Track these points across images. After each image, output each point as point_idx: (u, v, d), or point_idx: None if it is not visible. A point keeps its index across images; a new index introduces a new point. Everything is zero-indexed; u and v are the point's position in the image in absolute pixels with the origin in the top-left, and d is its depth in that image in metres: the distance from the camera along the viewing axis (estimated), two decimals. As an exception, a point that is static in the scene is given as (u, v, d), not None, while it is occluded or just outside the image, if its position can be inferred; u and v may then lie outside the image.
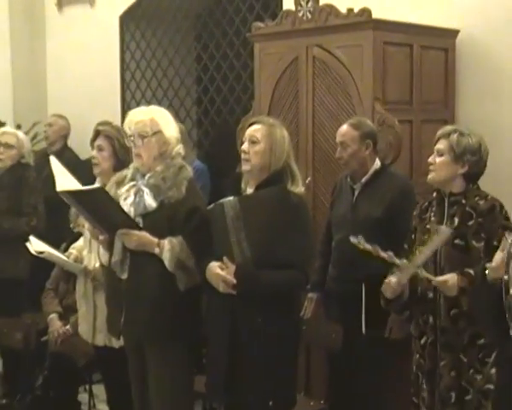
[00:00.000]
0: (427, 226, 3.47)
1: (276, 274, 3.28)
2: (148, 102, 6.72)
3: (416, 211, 3.62)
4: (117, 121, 6.31)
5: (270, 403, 3.29)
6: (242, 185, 3.49)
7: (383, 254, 3.29)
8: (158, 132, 3.55)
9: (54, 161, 3.65)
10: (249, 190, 3.46)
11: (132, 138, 3.57)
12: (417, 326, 3.56)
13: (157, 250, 3.47)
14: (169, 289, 3.47)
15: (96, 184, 3.54)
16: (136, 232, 3.49)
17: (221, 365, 3.37)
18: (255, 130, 3.43)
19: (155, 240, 3.48)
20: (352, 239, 3.34)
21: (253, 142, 3.41)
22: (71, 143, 6.61)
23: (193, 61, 6.70)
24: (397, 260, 3.32)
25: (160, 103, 6.59)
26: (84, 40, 7.03)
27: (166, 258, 3.45)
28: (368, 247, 3.29)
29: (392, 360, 3.98)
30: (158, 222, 3.49)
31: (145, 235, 3.49)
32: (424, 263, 3.36)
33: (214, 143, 6.41)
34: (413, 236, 3.57)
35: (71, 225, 4.86)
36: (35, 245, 4.25)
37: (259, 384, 3.31)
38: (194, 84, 6.76)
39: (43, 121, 6.84)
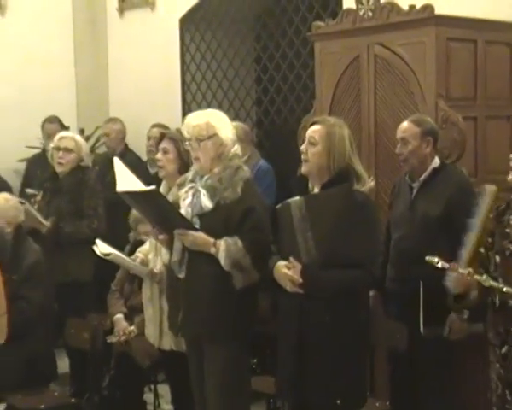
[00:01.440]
0: (507, 230, 3.34)
1: (343, 273, 3.29)
2: (209, 104, 6.78)
3: (493, 213, 3.50)
4: (178, 123, 6.37)
5: (338, 402, 3.29)
6: (309, 185, 3.50)
7: (462, 271, 3.22)
8: (214, 135, 3.61)
9: (117, 161, 3.74)
10: (316, 190, 3.47)
11: (190, 142, 3.64)
12: (498, 335, 3.42)
13: (213, 250, 3.54)
14: (225, 288, 3.54)
15: (152, 186, 3.61)
16: (193, 232, 3.56)
17: (289, 364, 3.39)
18: (314, 131, 3.43)
19: (211, 240, 3.54)
20: (428, 258, 3.29)
21: (311, 143, 3.42)
22: (132, 145, 6.69)
23: (252, 62, 6.72)
24: (478, 277, 3.24)
25: (220, 105, 6.64)
26: (145, 44, 7.13)
27: (222, 257, 3.51)
28: (445, 265, 3.23)
29: (453, 360, 3.93)
30: (214, 222, 3.56)
31: (201, 235, 3.56)
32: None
33: (275, 143, 6.41)
34: (489, 239, 3.43)
35: (130, 234, 4.93)
36: (101, 248, 4.31)
37: (328, 383, 3.32)
38: (254, 84, 6.77)
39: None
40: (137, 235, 4.95)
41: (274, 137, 6.44)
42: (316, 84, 5.08)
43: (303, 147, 3.44)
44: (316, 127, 3.44)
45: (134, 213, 4.98)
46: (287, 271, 3.31)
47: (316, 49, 5.00)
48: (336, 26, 4.84)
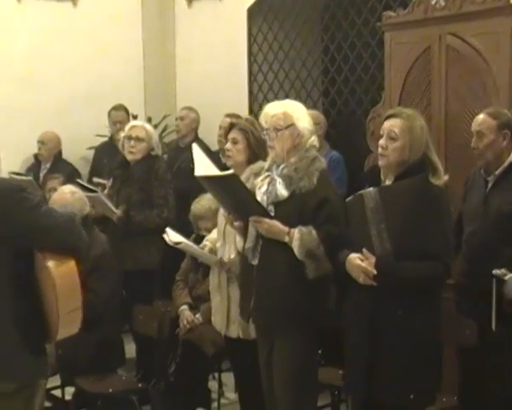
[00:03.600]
0: None
1: (417, 266, 3.26)
2: (275, 95, 6.78)
3: None
4: (244, 113, 6.42)
5: (412, 396, 3.25)
6: (381, 177, 3.47)
7: None
8: (291, 125, 3.63)
9: (195, 148, 3.81)
10: (388, 182, 3.44)
11: (268, 131, 3.67)
12: None
13: (287, 239, 3.57)
14: (297, 277, 3.57)
15: (230, 171, 3.66)
16: (267, 220, 3.60)
17: (360, 357, 3.38)
18: (393, 124, 3.39)
19: (285, 229, 3.57)
20: (495, 271, 3.23)
21: (391, 138, 3.37)
22: (198, 134, 6.74)
23: (320, 53, 6.67)
24: None
25: (286, 95, 6.62)
26: (212, 34, 7.15)
27: (296, 246, 3.54)
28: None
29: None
30: (289, 211, 3.59)
31: (275, 223, 3.59)
32: None
33: (341, 134, 6.37)
34: None
35: (194, 234, 4.96)
36: (172, 236, 4.35)
37: (401, 378, 3.29)
38: (321, 75, 6.73)
39: (172, 114, 7.01)
40: (198, 231, 4.98)
41: (341, 128, 6.40)
42: (385, 75, 5.04)
43: (382, 141, 3.40)
44: (394, 121, 3.39)
45: (194, 209, 5.02)
46: (360, 263, 3.30)
47: (386, 39, 4.95)
48: (407, 16, 4.78)
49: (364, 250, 3.28)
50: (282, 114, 3.65)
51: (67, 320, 3.17)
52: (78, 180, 5.47)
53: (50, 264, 3.11)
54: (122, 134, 5.48)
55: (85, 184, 5.23)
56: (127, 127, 5.48)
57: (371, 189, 3.40)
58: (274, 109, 3.70)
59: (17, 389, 3.16)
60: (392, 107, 4.55)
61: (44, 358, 3.27)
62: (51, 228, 3.18)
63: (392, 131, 3.37)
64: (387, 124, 3.42)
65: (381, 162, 3.42)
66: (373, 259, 3.26)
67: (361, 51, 6.12)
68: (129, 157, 5.34)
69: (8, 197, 3.13)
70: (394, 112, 3.51)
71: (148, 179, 5.28)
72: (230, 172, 3.67)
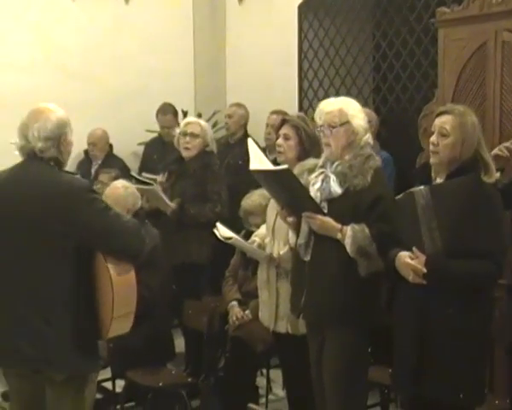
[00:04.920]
0: None
1: (468, 265, 3.22)
2: (326, 92, 6.75)
3: None
4: (294, 110, 6.41)
5: (461, 395, 3.22)
6: (432, 174, 3.44)
7: None
8: (346, 123, 3.62)
9: (251, 142, 3.82)
10: (439, 180, 3.41)
11: (322, 128, 3.65)
12: None
13: (339, 236, 3.56)
14: (349, 274, 3.56)
15: (285, 166, 3.65)
16: (320, 217, 3.59)
17: (409, 356, 3.35)
18: (445, 121, 3.36)
19: (338, 226, 3.57)
20: None
21: (442, 134, 3.34)
22: (248, 130, 6.74)
23: (371, 49, 6.62)
24: None
25: (337, 92, 6.59)
26: (263, 30, 7.15)
27: (348, 244, 3.53)
28: None
29: None
30: (342, 208, 3.58)
31: (328, 220, 3.59)
32: None
33: (393, 131, 6.31)
34: None
35: (244, 230, 4.96)
36: (222, 231, 4.36)
37: (450, 378, 3.25)
38: (372, 72, 6.68)
39: (222, 110, 7.03)
40: (248, 226, 4.99)
41: (392, 125, 6.34)
42: (438, 72, 4.98)
43: (433, 138, 3.37)
44: (446, 117, 3.36)
45: (244, 205, 5.03)
46: (410, 261, 3.27)
47: (439, 35, 4.89)
48: (462, 12, 4.72)
49: (414, 249, 3.25)
50: (337, 111, 3.64)
51: (119, 322, 3.23)
52: (133, 173, 5.53)
53: (111, 268, 3.16)
54: (177, 130, 5.53)
55: (140, 178, 5.29)
56: (182, 123, 5.55)
57: (422, 187, 3.37)
58: (329, 106, 3.68)
59: (67, 379, 3.24)
60: (446, 104, 4.49)
61: (96, 354, 3.33)
62: (118, 232, 3.22)
63: (444, 128, 3.34)
64: (439, 120, 3.39)
65: (432, 159, 3.39)
66: (423, 257, 3.22)
67: (413, 48, 6.05)
68: (184, 153, 5.39)
69: (79, 197, 3.18)
70: (446, 109, 3.48)
71: (202, 175, 5.32)
72: (285, 166, 3.66)
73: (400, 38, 6.18)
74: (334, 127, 3.62)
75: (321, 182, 3.67)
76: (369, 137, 3.68)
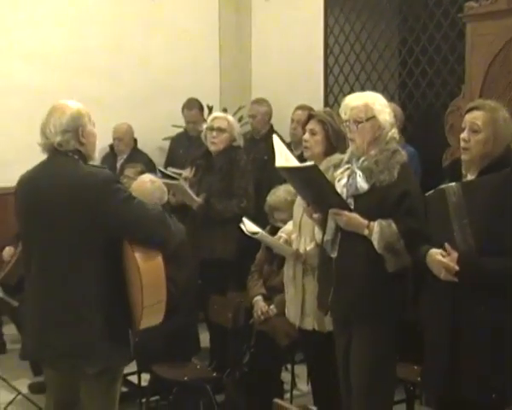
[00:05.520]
0: None
1: (501, 262, 3.17)
2: (351, 87, 6.73)
3: None
4: (319, 106, 6.39)
5: (493, 396, 3.19)
6: (463, 171, 3.40)
7: None
8: (372, 118, 3.60)
9: (276, 139, 3.78)
10: (470, 177, 3.36)
11: (348, 123, 3.63)
12: None
13: (366, 232, 3.55)
14: (377, 270, 3.54)
15: (311, 162, 3.64)
16: (347, 213, 3.58)
17: (440, 355, 3.32)
18: (476, 117, 3.31)
19: (365, 222, 3.55)
20: None
21: (474, 130, 3.30)
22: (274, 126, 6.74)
23: (398, 44, 6.58)
24: None
25: (362, 87, 6.57)
26: (288, 25, 7.15)
27: (375, 240, 3.51)
28: None
29: None
30: (369, 204, 3.56)
31: (355, 216, 3.57)
32: None
33: (419, 127, 6.28)
34: None
35: (269, 225, 4.96)
36: (248, 226, 4.36)
37: (482, 377, 3.22)
38: (398, 67, 6.64)
39: (247, 105, 7.02)
40: (273, 222, 4.99)
41: (418, 121, 6.31)
42: (465, 68, 4.94)
43: (464, 135, 3.32)
44: (477, 113, 3.31)
45: (269, 200, 5.03)
46: (441, 258, 3.23)
47: (467, 30, 4.85)
48: (490, 7, 4.67)
49: (447, 245, 3.21)
50: (362, 106, 3.61)
51: (151, 312, 3.24)
52: (160, 168, 5.55)
53: (138, 257, 3.18)
54: (204, 125, 5.55)
55: (166, 172, 5.31)
56: (210, 118, 5.56)
57: (453, 184, 3.32)
58: (354, 101, 3.66)
59: (99, 373, 3.26)
60: (473, 100, 4.45)
61: (127, 346, 3.35)
62: (143, 220, 3.25)
63: (475, 124, 3.30)
64: (469, 116, 3.34)
65: (463, 156, 3.34)
66: (455, 254, 3.18)
67: (440, 43, 6.01)
68: (211, 148, 5.40)
69: (104, 187, 3.21)
70: (476, 104, 3.43)
71: (229, 170, 5.33)
72: (311, 163, 3.65)
73: (427, 33, 6.14)
74: (359, 123, 3.60)
75: (347, 178, 3.66)
76: (394, 132, 3.65)
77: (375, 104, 3.62)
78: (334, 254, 3.69)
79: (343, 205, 3.59)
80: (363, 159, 3.63)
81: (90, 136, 3.35)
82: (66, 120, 3.26)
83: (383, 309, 3.59)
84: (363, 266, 3.57)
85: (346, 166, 3.71)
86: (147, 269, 3.18)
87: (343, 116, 3.68)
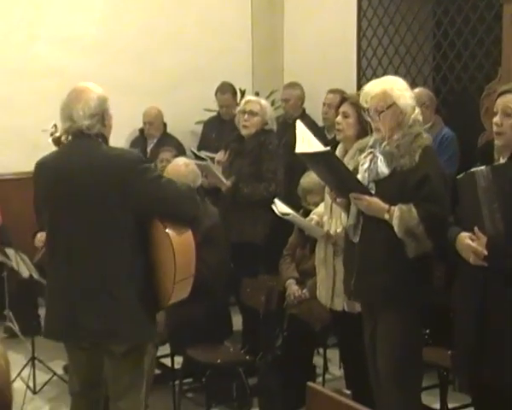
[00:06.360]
0: None
1: None
2: (385, 70, 6.67)
3: None
4: (352, 89, 6.35)
5: None
6: (495, 155, 3.34)
7: None
8: (392, 105, 3.57)
9: (299, 124, 3.77)
10: (502, 160, 3.31)
11: (369, 112, 3.62)
12: None
13: (387, 216, 3.53)
14: (397, 255, 3.52)
15: (327, 147, 3.62)
16: (367, 197, 3.57)
17: (469, 339, 3.29)
18: (509, 100, 3.25)
19: (386, 206, 3.54)
20: None
21: (507, 114, 3.25)
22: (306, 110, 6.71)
23: (432, 27, 6.51)
24: None
25: (396, 71, 6.52)
26: (321, 8, 7.10)
27: (396, 224, 3.50)
28: None
29: None
30: (389, 189, 3.55)
31: (376, 201, 3.56)
32: None
33: (453, 111, 6.21)
34: None
35: (302, 208, 4.95)
36: (280, 207, 4.36)
37: (508, 363, 3.18)
38: (432, 50, 6.57)
39: (280, 89, 7.00)
40: (306, 205, 4.98)
41: (453, 105, 6.24)
42: (502, 50, 4.89)
43: (497, 119, 3.26)
44: (510, 96, 3.25)
45: (303, 183, 5.02)
46: (470, 242, 3.20)
47: (504, 12, 4.81)
48: (528, -12, 4.61)
49: (476, 229, 3.17)
50: (381, 94, 3.57)
51: (180, 287, 3.29)
52: (192, 149, 5.57)
53: (170, 233, 3.23)
54: (237, 109, 5.56)
55: (199, 153, 5.32)
56: (242, 102, 5.58)
57: (483, 167, 3.26)
58: (373, 89, 3.62)
59: (126, 352, 3.31)
60: (509, 83, 4.39)
61: (153, 324, 3.39)
62: (172, 198, 3.30)
63: (509, 107, 3.24)
64: (502, 100, 3.28)
65: (497, 141, 3.29)
66: (484, 239, 3.14)
67: (476, 25, 5.93)
68: (243, 131, 5.40)
69: (132, 168, 3.26)
70: (509, 87, 3.36)
71: (259, 153, 5.32)
72: (326, 148, 3.61)
73: (462, 15, 6.06)
74: (381, 112, 3.57)
75: (369, 162, 3.64)
76: (417, 114, 3.61)
77: (393, 90, 3.58)
78: (356, 240, 3.69)
79: (363, 189, 3.58)
80: (385, 143, 3.61)
81: (111, 119, 3.42)
82: (95, 104, 3.30)
83: (404, 294, 3.57)
84: (385, 251, 3.56)
85: (370, 150, 3.69)
86: (179, 245, 3.24)
87: (364, 104, 3.65)
